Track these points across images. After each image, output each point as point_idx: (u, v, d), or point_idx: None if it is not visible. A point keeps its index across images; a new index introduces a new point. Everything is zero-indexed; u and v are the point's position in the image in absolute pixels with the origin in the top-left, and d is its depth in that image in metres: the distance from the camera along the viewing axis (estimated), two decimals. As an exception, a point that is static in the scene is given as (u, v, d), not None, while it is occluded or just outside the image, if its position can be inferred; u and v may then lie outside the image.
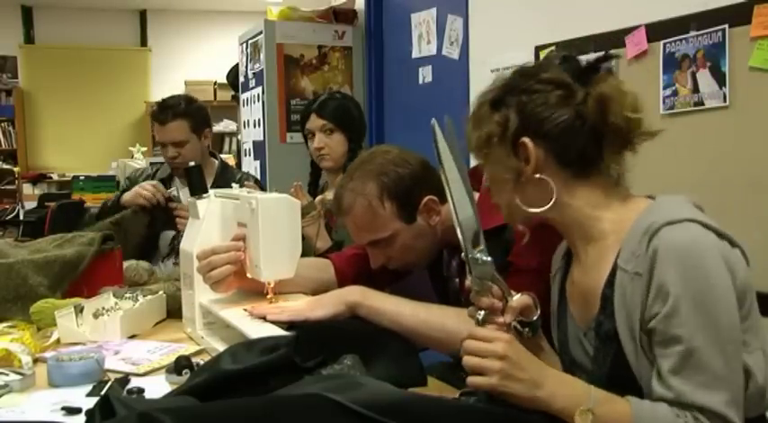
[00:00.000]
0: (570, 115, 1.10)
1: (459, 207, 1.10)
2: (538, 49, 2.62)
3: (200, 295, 1.50)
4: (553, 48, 2.52)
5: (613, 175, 1.14)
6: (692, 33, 1.99)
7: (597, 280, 1.10)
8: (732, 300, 0.98)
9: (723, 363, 0.97)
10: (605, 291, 1.08)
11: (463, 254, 1.11)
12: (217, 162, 2.80)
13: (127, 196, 2.49)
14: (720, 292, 0.98)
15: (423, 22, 3.54)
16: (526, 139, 1.11)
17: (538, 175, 1.12)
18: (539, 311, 1.14)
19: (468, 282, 1.11)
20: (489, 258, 1.10)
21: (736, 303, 0.99)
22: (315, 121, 2.44)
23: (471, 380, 1.02)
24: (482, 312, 1.10)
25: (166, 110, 2.65)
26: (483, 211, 1.52)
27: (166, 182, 2.76)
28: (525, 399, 1.00)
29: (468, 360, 1.02)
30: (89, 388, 1.21)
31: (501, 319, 1.10)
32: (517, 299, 1.11)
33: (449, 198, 1.11)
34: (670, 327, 0.98)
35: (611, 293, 1.07)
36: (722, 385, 0.97)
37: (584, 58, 1.17)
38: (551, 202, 1.12)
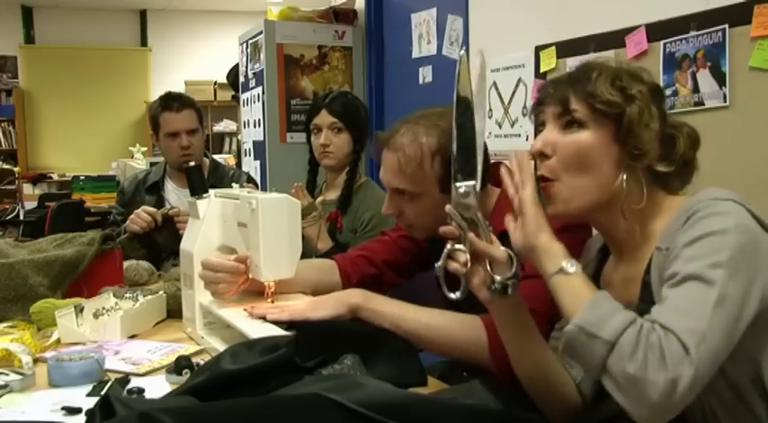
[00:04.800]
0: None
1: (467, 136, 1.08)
2: (538, 49, 2.62)
3: (200, 295, 1.50)
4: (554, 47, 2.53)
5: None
6: (692, 33, 1.99)
7: (638, 270, 1.08)
8: (753, 269, 0.93)
9: (712, 307, 0.90)
10: (645, 278, 1.06)
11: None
12: (208, 161, 2.80)
13: (127, 221, 2.44)
14: (742, 245, 0.93)
15: (423, 22, 3.54)
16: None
17: (647, 170, 1.10)
18: (513, 271, 1.07)
19: (448, 207, 1.08)
20: (471, 185, 1.06)
21: (760, 284, 0.93)
22: (324, 117, 2.41)
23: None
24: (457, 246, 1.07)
25: (176, 99, 2.69)
26: (500, 211, 1.52)
27: (159, 184, 2.77)
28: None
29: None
30: (89, 388, 1.21)
31: (464, 257, 1.06)
32: (496, 246, 1.07)
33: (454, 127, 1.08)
34: (672, 266, 0.96)
35: (649, 279, 1.05)
36: (696, 319, 0.89)
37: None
38: (644, 201, 1.09)
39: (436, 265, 1.08)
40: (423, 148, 1.44)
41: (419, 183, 1.46)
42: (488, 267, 1.06)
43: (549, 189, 1.10)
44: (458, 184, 1.07)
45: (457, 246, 1.07)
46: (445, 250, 1.07)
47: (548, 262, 1.03)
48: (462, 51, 1.10)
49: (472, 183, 1.06)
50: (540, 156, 1.11)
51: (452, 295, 1.09)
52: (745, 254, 0.93)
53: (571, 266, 1.01)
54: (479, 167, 1.07)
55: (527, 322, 1.15)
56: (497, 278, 1.06)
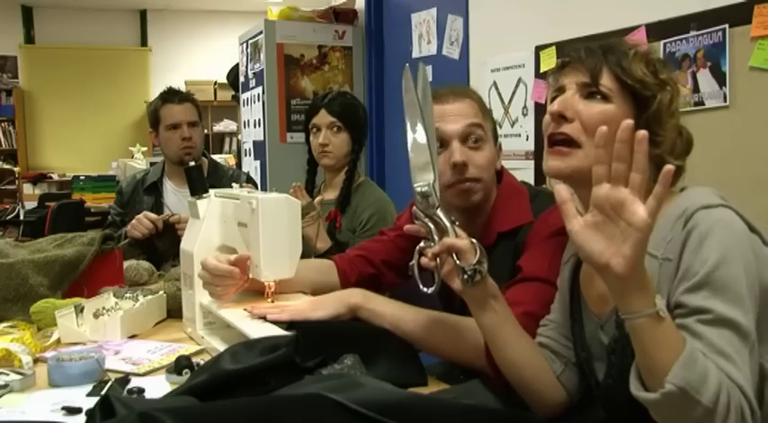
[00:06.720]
0: None
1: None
2: (538, 48, 2.62)
3: (200, 295, 1.50)
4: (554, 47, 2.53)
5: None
6: (693, 33, 1.99)
7: None
8: (753, 283, 0.93)
9: (746, 288, 0.91)
10: None
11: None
12: (206, 161, 2.81)
13: (128, 227, 2.40)
14: (745, 266, 0.93)
15: (423, 21, 3.54)
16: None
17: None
18: (476, 260, 1.10)
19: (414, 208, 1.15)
20: (429, 182, 1.14)
21: (758, 291, 0.94)
22: (324, 117, 2.41)
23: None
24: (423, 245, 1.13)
25: (177, 93, 2.73)
26: (499, 211, 1.52)
27: (158, 184, 2.77)
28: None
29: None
30: (89, 388, 1.21)
31: (433, 250, 1.11)
32: (459, 238, 1.11)
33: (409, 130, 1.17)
34: (695, 296, 0.93)
35: None
36: (743, 306, 0.90)
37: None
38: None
39: (410, 263, 1.15)
40: (477, 99, 1.53)
41: (486, 126, 1.52)
42: (455, 258, 1.11)
43: (571, 152, 1.09)
44: (417, 184, 1.14)
45: (425, 243, 1.14)
46: (417, 248, 1.14)
47: (640, 299, 0.89)
48: (407, 65, 1.21)
49: (430, 181, 1.14)
50: (558, 118, 1.10)
51: (427, 289, 1.14)
52: (752, 273, 0.94)
53: (663, 305, 0.89)
54: (435, 166, 1.16)
55: (504, 313, 1.17)
56: (464, 266, 1.10)
